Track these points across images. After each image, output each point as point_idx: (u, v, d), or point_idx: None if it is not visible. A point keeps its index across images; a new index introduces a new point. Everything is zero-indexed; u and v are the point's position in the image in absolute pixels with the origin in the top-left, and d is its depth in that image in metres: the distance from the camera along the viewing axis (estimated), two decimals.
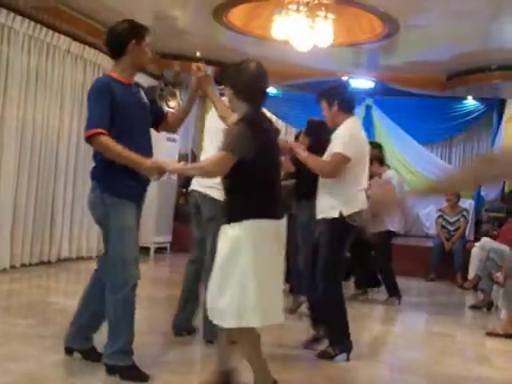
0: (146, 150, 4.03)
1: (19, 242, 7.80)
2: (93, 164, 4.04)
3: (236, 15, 8.44)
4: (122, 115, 3.86)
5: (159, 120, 4.35)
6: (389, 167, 8.26)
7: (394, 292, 7.59)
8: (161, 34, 9.46)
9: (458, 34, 8.37)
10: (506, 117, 11.64)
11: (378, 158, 7.66)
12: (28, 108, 7.79)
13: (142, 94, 4.11)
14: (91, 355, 4.17)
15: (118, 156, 3.81)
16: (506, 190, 11.49)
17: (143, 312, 6.18)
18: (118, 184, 3.88)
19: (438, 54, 9.48)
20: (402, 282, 9.44)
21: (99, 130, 3.78)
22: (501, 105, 12.01)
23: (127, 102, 3.90)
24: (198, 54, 10.40)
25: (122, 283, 3.86)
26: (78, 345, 4.19)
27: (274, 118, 12.30)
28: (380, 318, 6.94)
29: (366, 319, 7.04)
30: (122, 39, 3.95)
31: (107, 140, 3.79)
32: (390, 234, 7.82)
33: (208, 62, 10.56)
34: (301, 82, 11.73)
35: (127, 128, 3.89)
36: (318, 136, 5.62)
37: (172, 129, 4.60)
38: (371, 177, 7.32)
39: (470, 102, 12.59)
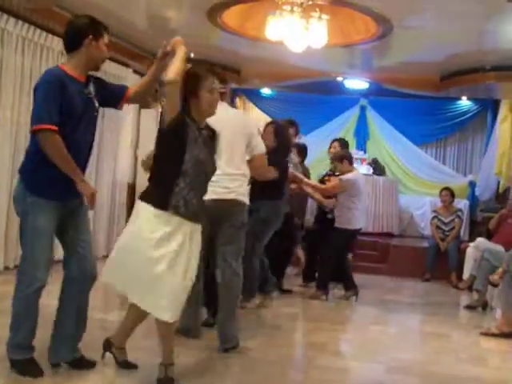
0: (86, 149, 4.03)
1: (14, 244, 7.79)
2: None
3: (230, 16, 8.42)
4: (67, 112, 3.78)
5: (119, 99, 4.25)
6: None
7: (322, 287, 7.60)
8: (154, 34, 9.44)
9: (452, 34, 8.37)
10: (500, 117, 11.67)
11: (347, 157, 7.83)
12: (22, 110, 7.75)
13: (92, 88, 4.00)
14: (81, 364, 4.12)
15: (63, 161, 3.78)
16: (501, 189, 11.52)
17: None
18: (40, 183, 3.84)
19: (432, 54, 9.49)
20: (397, 282, 9.51)
21: (52, 127, 3.71)
22: (495, 105, 12.05)
23: (75, 99, 3.83)
24: (192, 54, 10.44)
25: (28, 283, 3.84)
26: (66, 357, 4.10)
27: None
28: (375, 318, 6.93)
29: (361, 320, 7.05)
30: (79, 33, 3.92)
31: (58, 140, 3.73)
32: (351, 232, 7.73)
33: (202, 63, 10.68)
34: (295, 82, 11.74)
35: (70, 125, 3.81)
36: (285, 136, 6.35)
37: (135, 101, 4.41)
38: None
39: (464, 103, 12.62)
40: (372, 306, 7.46)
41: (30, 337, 3.92)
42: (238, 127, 4.96)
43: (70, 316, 4.04)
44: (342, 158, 7.79)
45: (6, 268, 7.65)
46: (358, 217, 7.69)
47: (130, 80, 9.70)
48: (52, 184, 3.83)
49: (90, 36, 3.89)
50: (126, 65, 9.91)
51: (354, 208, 7.60)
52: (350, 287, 7.71)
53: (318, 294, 7.55)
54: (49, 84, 3.77)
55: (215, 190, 4.59)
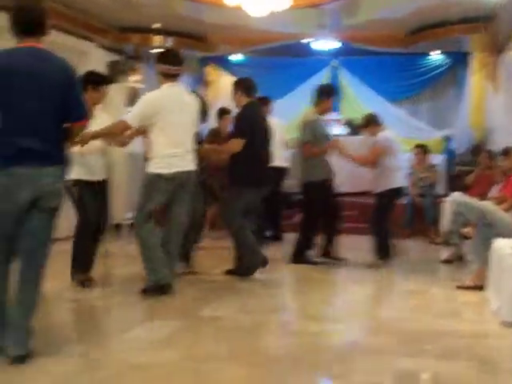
0: None
1: None
2: None
3: None
4: None
5: None
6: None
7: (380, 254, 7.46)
8: (117, 7, 9.32)
9: None
10: (471, 70, 11.61)
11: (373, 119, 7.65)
12: None
13: None
14: None
15: None
16: (476, 142, 11.50)
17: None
18: None
19: (399, 10, 9.44)
20: None
21: None
22: (466, 58, 11.98)
23: None
24: (156, 25, 10.31)
25: None
26: None
27: None
28: (353, 279, 6.92)
29: (340, 281, 7.06)
30: None
31: None
32: (394, 192, 7.55)
33: (167, 33, 10.57)
34: (264, 46, 11.64)
35: None
36: None
37: None
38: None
39: (436, 57, 12.57)
40: (351, 267, 7.44)
41: None
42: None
43: None
44: (367, 122, 7.61)
45: None
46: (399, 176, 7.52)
47: (94, 54, 9.57)
48: None
49: None
50: (89, 39, 9.75)
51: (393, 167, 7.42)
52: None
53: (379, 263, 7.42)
54: None
55: None
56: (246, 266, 6.47)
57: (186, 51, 11.17)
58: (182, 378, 3.67)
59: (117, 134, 5.78)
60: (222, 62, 13.20)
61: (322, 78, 12.98)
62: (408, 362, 4.01)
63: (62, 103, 3.85)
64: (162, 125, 5.49)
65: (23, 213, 3.78)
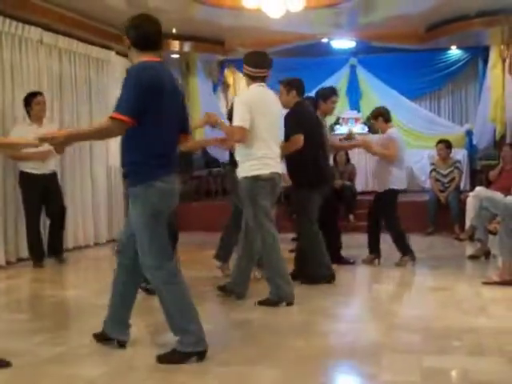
0: None
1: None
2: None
3: None
4: None
5: None
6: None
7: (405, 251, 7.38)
8: (135, 13, 9.36)
9: None
10: (490, 64, 11.51)
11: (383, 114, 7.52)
12: (6, 103, 7.73)
13: None
14: None
15: None
16: (497, 136, 11.41)
17: None
18: None
19: (416, 5, 9.38)
20: None
21: None
22: (485, 52, 11.90)
23: None
24: (173, 30, 10.36)
25: None
26: None
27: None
28: (378, 277, 6.93)
29: (364, 280, 7.06)
30: None
31: None
32: (394, 192, 7.54)
33: (186, 38, 10.61)
34: (282, 48, 11.65)
35: None
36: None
37: None
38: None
39: (454, 52, 12.52)
40: (375, 265, 7.42)
41: None
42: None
43: None
44: (377, 115, 7.50)
45: (8, 263, 7.70)
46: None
47: (114, 62, 9.63)
48: None
49: None
50: (108, 47, 9.82)
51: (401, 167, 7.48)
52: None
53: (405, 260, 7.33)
54: None
55: None
56: (311, 274, 6.40)
57: (204, 55, 11.30)
58: (211, 381, 3.70)
59: (240, 141, 5.43)
60: (241, 65, 13.19)
61: (341, 77, 12.99)
62: (436, 360, 4.00)
63: (181, 115, 4.11)
64: (255, 126, 5.35)
65: None
